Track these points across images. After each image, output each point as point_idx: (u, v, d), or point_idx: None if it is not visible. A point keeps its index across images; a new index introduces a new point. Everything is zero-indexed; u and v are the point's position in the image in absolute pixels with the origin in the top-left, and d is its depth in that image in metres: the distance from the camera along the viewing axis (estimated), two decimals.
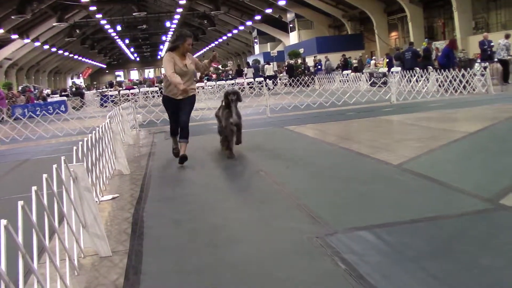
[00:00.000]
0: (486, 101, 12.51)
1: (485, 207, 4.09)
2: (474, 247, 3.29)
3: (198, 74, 51.99)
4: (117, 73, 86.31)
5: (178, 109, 7.12)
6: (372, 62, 30.85)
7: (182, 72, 6.86)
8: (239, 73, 32.00)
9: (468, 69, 15.77)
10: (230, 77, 33.15)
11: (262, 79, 27.84)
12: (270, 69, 31.53)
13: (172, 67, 6.77)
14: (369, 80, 20.43)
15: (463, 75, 15.16)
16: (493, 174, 5.17)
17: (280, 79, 31.59)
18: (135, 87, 35.28)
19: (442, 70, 16.17)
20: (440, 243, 3.40)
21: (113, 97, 26.60)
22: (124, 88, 35.06)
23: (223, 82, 29.38)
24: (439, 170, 5.47)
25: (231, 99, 7.36)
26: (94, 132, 5.62)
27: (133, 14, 42.74)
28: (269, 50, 50.68)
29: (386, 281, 2.89)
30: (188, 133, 7.10)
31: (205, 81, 30.67)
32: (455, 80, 15.17)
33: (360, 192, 4.88)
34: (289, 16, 45.91)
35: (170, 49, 7.07)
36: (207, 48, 71.54)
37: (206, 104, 14.28)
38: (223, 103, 7.62)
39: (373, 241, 3.52)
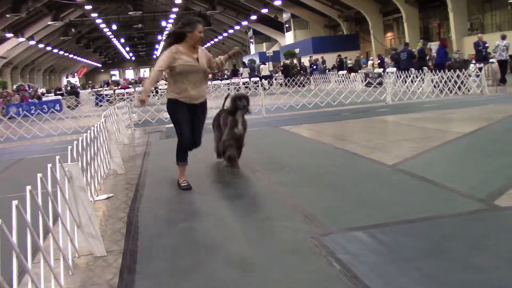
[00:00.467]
0: (481, 102, 12.56)
1: (479, 207, 4.10)
2: (468, 247, 3.31)
3: None
4: (112, 72, 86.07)
5: (191, 119, 5.56)
6: (370, 62, 30.92)
7: (191, 68, 5.39)
8: (235, 73, 31.98)
9: (463, 70, 15.84)
10: (225, 76, 33.14)
11: (257, 79, 27.85)
12: (265, 69, 31.55)
13: (165, 63, 5.30)
14: (365, 81, 20.48)
15: (458, 76, 15.22)
16: (487, 175, 5.19)
17: (275, 79, 31.62)
18: (130, 86, 35.21)
19: (437, 71, 16.25)
20: (434, 243, 3.41)
21: (108, 96, 26.55)
22: (119, 87, 34.99)
23: (219, 81, 29.36)
24: (434, 171, 5.48)
25: (241, 106, 6.02)
26: (89, 131, 5.61)
27: (129, 13, 42.66)
28: (264, 50, 50.72)
29: (381, 281, 2.90)
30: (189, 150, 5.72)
31: None
32: (450, 80, 15.22)
33: (355, 192, 4.89)
34: (285, 16, 45.93)
35: (175, 40, 5.47)
36: (203, 47, 71.43)
37: None
38: (228, 108, 6.23)
39: (367, 241, 3.53)
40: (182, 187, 5.55)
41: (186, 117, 5.48)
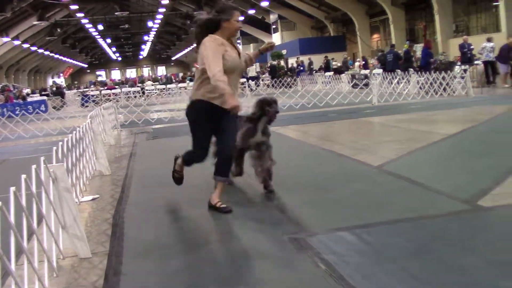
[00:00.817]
0: (466, 103, 12.68)
1: (463, 208, 4.14)
2: (452, 247, 3.34)
3: (181, 74, 50.91)
4: (98, 72, 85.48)
5: (220, 125, 4.53)
6: (357, 64, 31.11)
7: (235, 66, 4.51)
8: None
9: (448, 71, 16.00)
10: None
11: (244, 79, 27.85)
12: (252, 70, 31.57)
13: (220, 60, 4.31)
14: (351, 82, 20.58)
15: (443, 78, 15.37)
16: (472, 176, 5.25)
17: (262, 80, 31.65)
18: (116, 87, 35.05)
19: (423, 72, 16.42)
20: (419, 244, 3.44)
21: (95, 97, 26.41)
22: (106, 87, 34.83)
23: None
24: (419, 172, 5.53)
25: (271, 112, 4.97)
26: (74, 132, 5.57)
27: (115, 13, 42.44)
28: (252, 51, 50.71)
29: (366, 281, 2.91)
30: (231, 165, 4.86)
31: (188, 81, 30.56)
32: (435, 82, 15.36)
33: (341, 193, 4.91)
34: (272, 17, 46.00)
35: (209, 29, 4.53)
36: (190, 48, 71.22)
37: None
38: (251, 114, 5.10)
39: (353, 242, 3.54)
40: (175, 176, 5.17)
41: (211, 126, 4.56)
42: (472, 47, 19.08)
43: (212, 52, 4.32)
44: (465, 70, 16.22)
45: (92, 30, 51.67)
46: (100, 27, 50.90)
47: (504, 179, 4.92)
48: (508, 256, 3.13)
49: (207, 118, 4.48)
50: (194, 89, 4.59)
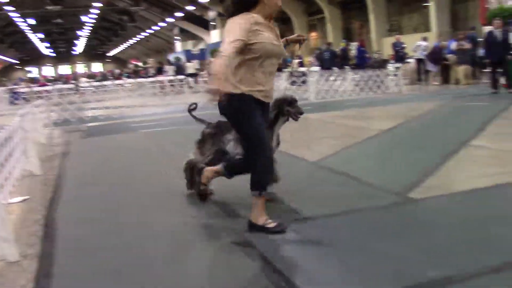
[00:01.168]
0: (399, 100, 13.14)
1: (395, 200, 4.28)
2: (385, 238, 3.43)
3: (117, 71, 49.60)
4: (30, 68, 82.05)
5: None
6: (295, 61, 31.50)
7: (274, 50, 3.72)
8: (160, 71, 31.55)
9: (382, 69, 16.54)
10: (150, 74, 32.59)
11: (183, 76, 27.59)
12: (191, 67, 31.34)
13: (245, 33, 3.47)
14: (289, 79, 20.80)
15: (377, 75, 15.86)
16: (403, 169, 5.43)
17: (202, 77, 31.45)
18: (49, 83, 33.80)
19: (358, 70, 16.91)
20: (354, 236, 3.52)
21: (25, 94, 25.36)
22: (38, 84, 33.51)
23: (143, 79, 28.79)
24: (354, 166, 5.66)
25: (292, 113, 4.31)
26: (2, 131, 5.31)
27: (47, 7, 40.93)
28: (190, 48, 50.33)
29: (304, 275, 2.95)
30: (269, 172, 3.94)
31: (124, 78, 29.94)
32: (370, 80, 15.82)
33: (278, 189, 4.93)
34: (211, 14, 45.79)
35: (244, 6, 3.62)
36: (127, 44, 69.74)
37: (125, 102, 13.91)
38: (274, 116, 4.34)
39: (290, 237, 3.57)
40: (279, 230, 3.63)
41: (263, 121, 3.76)
42: (404, 45, 19.78)
43: (238, 28, 3.48)
44: (397, 68, 16.79)
45: (22, 24, 49.53)
46: (32, 21, 48.88)
47: (433, 172, 5.13)
48: (434, 244, 3.28)
49: (254, 109, 3.67)
50: (228, 79, 3.46)
